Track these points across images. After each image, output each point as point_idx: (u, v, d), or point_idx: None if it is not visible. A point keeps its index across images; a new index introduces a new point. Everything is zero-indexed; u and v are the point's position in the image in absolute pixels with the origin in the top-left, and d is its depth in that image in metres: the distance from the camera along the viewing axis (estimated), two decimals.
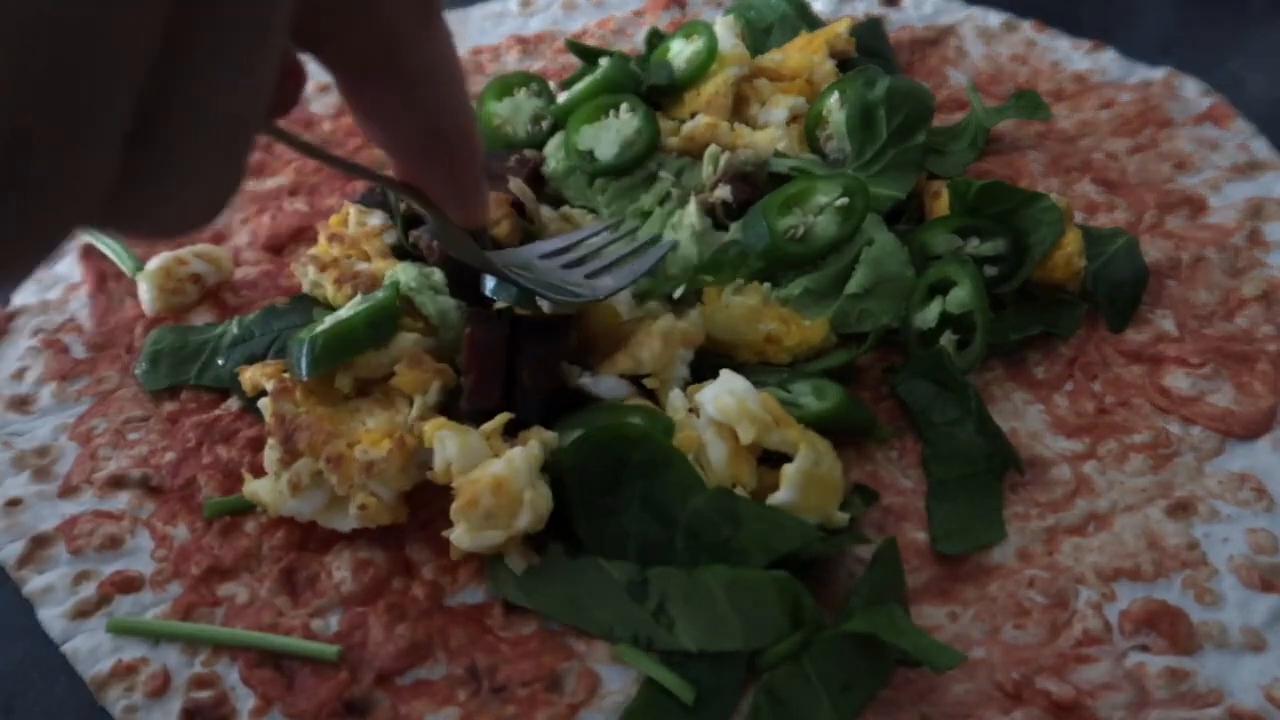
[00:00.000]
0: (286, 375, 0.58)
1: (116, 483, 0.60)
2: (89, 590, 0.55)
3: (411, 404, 0.58)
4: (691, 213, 0.68)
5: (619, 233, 0.64)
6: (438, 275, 0.63)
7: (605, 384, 0.58)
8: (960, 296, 0.63)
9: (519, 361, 0.57)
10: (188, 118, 0.23)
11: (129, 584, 0.55)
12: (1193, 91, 0.84)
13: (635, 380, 0.59)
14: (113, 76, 0.20)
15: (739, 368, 0.60)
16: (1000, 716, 0.49)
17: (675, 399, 0.57)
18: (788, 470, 0.53)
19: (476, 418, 0.56)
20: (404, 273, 0.63)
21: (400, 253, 0.68)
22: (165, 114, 0.22)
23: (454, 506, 0.52)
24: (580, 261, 0.59)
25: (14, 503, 0.60)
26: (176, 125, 0.23)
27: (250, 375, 0.61)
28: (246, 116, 0.24)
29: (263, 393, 0.59)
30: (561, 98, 0.78)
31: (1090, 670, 0.51)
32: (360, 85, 0.35)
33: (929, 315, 0.64)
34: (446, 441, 0.53)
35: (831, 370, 0.63)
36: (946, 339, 0.64)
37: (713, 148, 0.72)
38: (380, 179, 0.42)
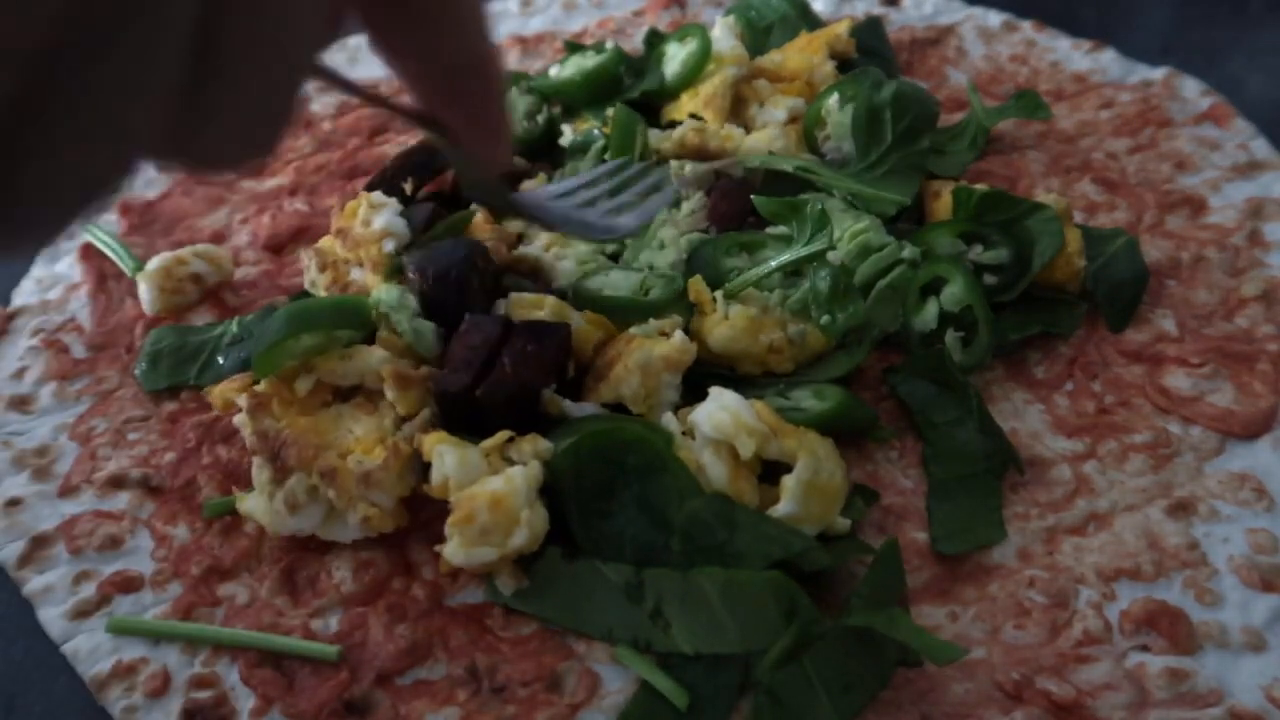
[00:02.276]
0: (258, 388, 0.57)
1: (116, 483, 0.60)
2: (89, 590, 0.55)
3: (395, 407, 0.57)
4: (669, 231, 0.68)
5: (628, 173, 0.62)
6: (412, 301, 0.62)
7: (587, 409, 0.58)
8: (954, 293, 0.63)
9: (505, 350, 0.57)
10: (240, 54, 0.24)
11: (129, 584, 0.55)
12: (1193, 91, 0.84)
13: (623, 409, 0.58)
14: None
15: (739, 380, 0.60)
16: (1000, 716, 0.49)
17: (668, 423, 0.57)
18: (787, 482, 0.53)
19: (443, 402, 0.56)
20: (385, 293, 0.61)
21: (399, 267, 0.67)
22: (218, 51, 0.24)
23: (450, 520, 0.52)
24: (593, 203, 0.59)
25: (14, 503, 0.60)
26: (230, 61, 0.24)
27: (220, 392, 0.59)
28: (295, 56, 0.26)
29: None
30: (553, 70, 0.82)
31: (1090, 670, 0.51)
32: (379, 14, 0.34)
33: (927, 317, 0.64)
34: (445, 456, 0.53)
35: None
36: (950, 337, 0.63)
37: (675, 164, 0.72)
38: (406, 112, 0.42)
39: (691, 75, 0.77)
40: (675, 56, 0.79)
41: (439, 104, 0.40)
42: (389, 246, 0.65)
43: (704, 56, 0.77)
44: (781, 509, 0.53)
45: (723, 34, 0.81)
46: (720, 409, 0.54)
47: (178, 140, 0.24)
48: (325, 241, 0.68)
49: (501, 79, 0.40)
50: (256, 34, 0.24)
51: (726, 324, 0.61)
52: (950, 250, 0.66)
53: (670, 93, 0.79)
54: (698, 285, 0.63)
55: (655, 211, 0.60)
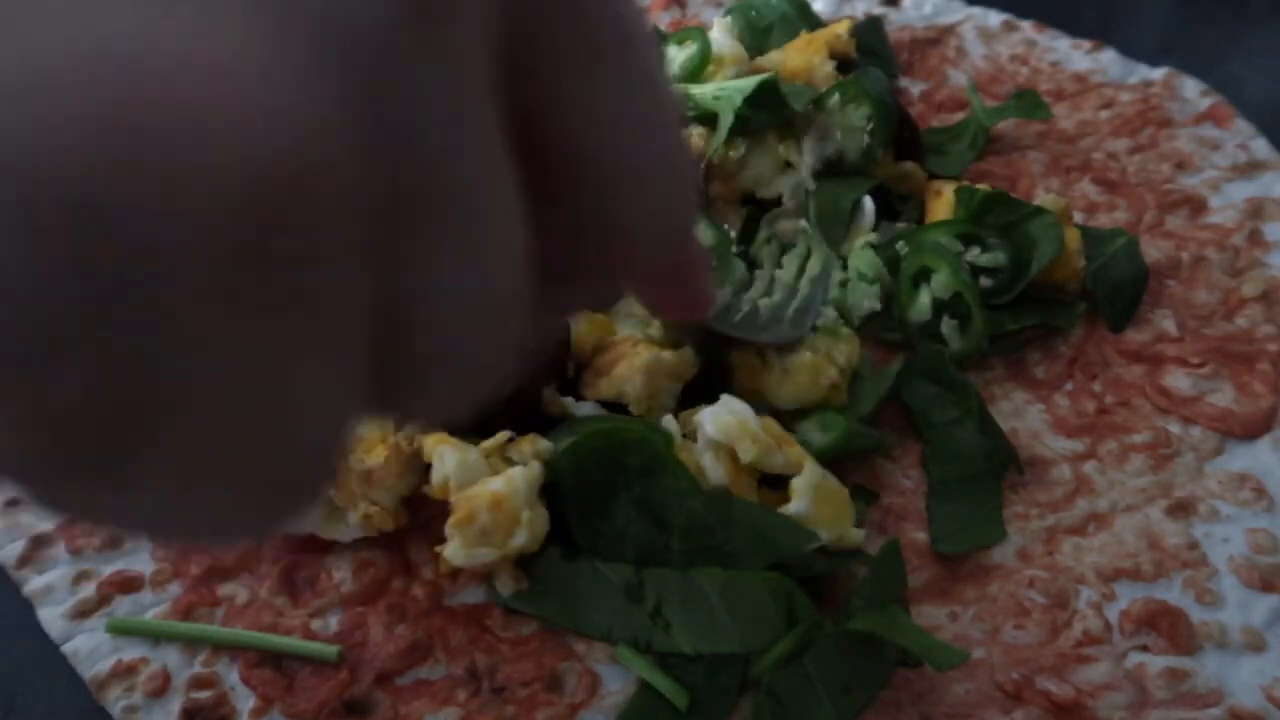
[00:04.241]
0: None
1: None
2: (89, 590, 0.55)
3: None
4: None
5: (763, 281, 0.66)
6: None
7: (586, 408, 0.58)
8: (942, 280, 0.64)
9: None
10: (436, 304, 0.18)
11: (129, 584, 0.55)
12: (1193, 91, 0.84)
13: (620, 407, 0.58)
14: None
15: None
16: (1000, 716, 0.49)
17: (668, 424, 0.56)
18: (797, 483, 0.53)
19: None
20: None
21: None
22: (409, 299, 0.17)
23: (450, 521, 0.52)
24: (773, 302, 0.62)
25: (14, 502, 0.60)
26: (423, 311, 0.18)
27: None
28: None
29: None
30: None
31: (1090, 670, 0.51)
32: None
33: (921, 307, 0.64)
34: (445, 457, 0.53)
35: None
36: (946, 324, 0.64)
37: None
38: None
39: (691, 78, 0.77)
40: (675, 59, 0.79)
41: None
42: None
43: (703, 60, 0.77)
44: (793, 508, 0.52)
45: (721, 35, 0.81)
46: (728, 412, 0.54)
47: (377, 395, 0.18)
48: None
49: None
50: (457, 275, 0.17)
51: (789, 380, 0.59)
52: (947, 250, 0.66)
53: None
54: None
55: (828, 284, 0.63)
